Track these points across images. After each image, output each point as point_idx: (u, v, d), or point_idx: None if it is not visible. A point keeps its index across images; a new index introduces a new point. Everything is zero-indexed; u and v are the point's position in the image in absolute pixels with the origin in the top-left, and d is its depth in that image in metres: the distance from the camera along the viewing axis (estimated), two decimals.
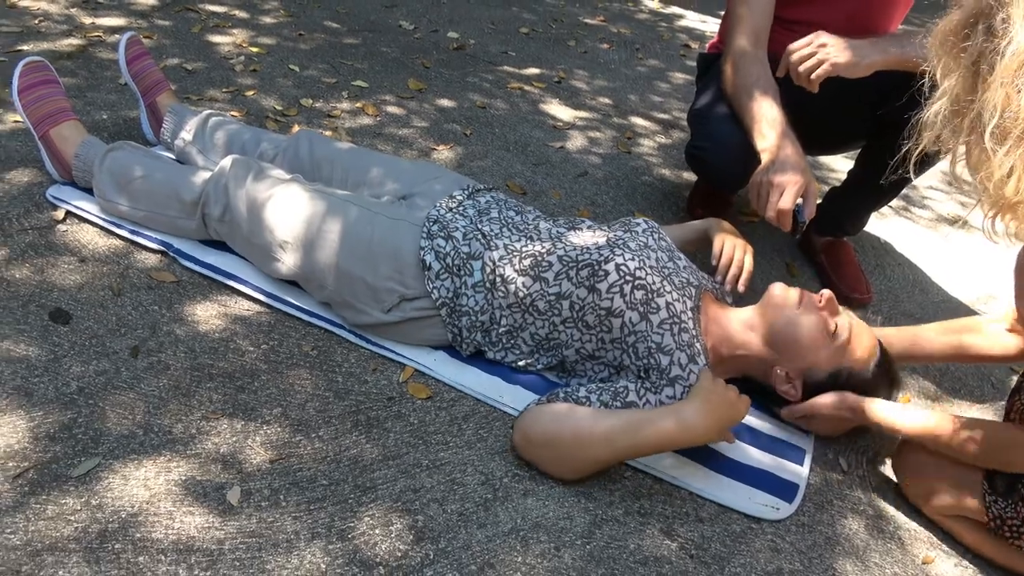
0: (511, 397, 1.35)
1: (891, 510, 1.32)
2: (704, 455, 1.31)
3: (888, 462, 1.41)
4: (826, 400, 1.30)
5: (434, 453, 1.23)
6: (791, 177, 1.39)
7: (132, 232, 1.56)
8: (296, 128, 2.11)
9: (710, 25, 3.96)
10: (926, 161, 1.40)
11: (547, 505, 1.18)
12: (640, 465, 1.27)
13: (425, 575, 1.04)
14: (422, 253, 1.37)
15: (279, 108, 2.22)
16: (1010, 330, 1.38)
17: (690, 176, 2.29)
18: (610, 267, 1.30)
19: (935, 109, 0.89)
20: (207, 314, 1.42)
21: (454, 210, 1.46)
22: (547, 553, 1.11)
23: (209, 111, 1.80)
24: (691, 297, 1.37)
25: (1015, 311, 1.30)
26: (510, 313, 1.37)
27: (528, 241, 1.41)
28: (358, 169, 1.61)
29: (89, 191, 1.62)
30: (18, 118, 1.86)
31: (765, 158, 1.45)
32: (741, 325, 1.36)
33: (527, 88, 2.71)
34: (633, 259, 1.32)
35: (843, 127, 1.79)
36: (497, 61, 2.92)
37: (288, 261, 1.43)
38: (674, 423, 1.15)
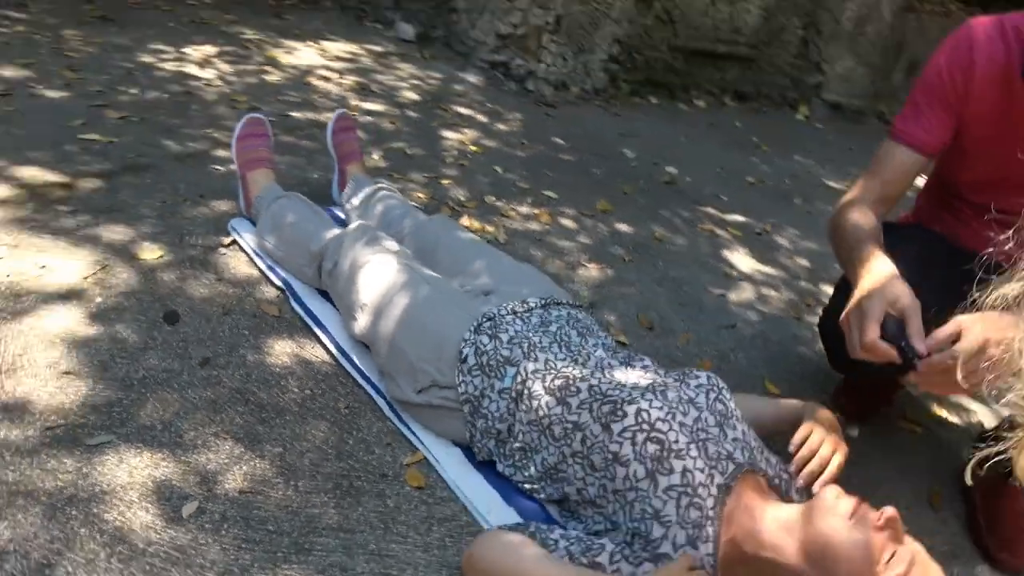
0: (497, 517, 1.26)
1: None
2: None
3: None
4: None
5: (386, 542, 1.19)
6: (876, 297, 1.13)
7: (268, 267, 1.77)
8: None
9: None
10: None
11: None
12: None
13: None
14: (463, 345, 1.36)
15: (462, 199, 2.39)
16: None
17: None
18: (631, 409, 1.18)
19: None
20: (280, 350, 1.55)
21: (517, 314, 1.44)
22: None
23: (381, 185, 2.01)
24: (723, 473, 1.18)
25: None
26: (528, 430, 1.29)
27: (571, 363, 1.33)
28: (464, 259, 1.67)
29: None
30: None
31: (854, 296, 1.20)
32: (777, 524, 1.13)
33: (720, 232, 2.61)
34: (661, 408, 1.18)
35: None
36: (703, 201, 2.86)
37: (362, 322, 1.52)
38: None
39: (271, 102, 2.82)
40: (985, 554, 1.46)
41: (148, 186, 2.02)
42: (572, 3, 3.75)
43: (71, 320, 1.48)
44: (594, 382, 1.26)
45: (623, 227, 2.48)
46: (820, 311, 2.04)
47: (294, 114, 2.76)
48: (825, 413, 1.35)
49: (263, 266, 1.78)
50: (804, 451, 1.27)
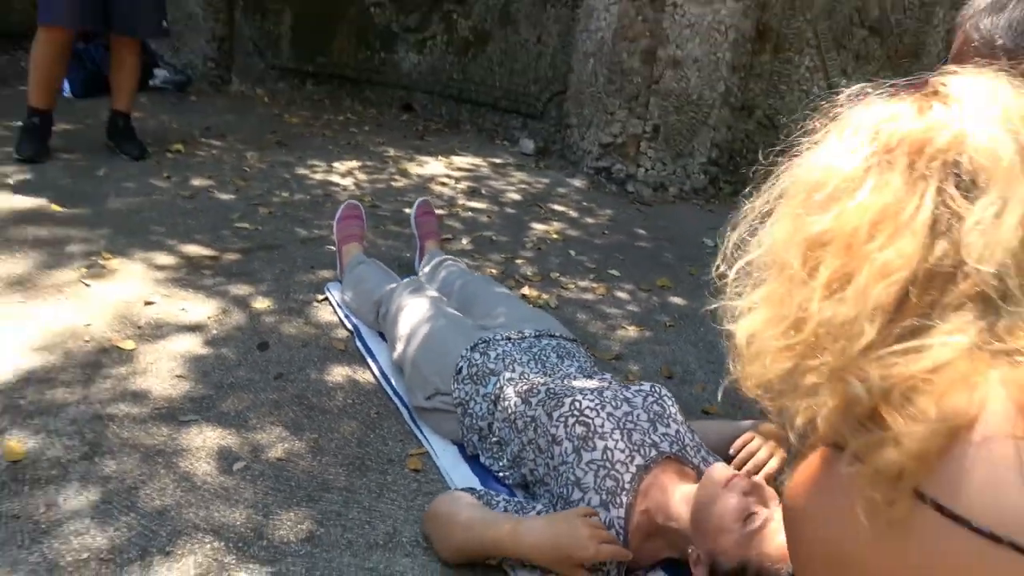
0: None
1: None
2: None
3: None
4: None
5: (377, 502, 1.50)
6: None
7: (345, 315, 2.22)
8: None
9: None
10: None
11: (413, 572, 1.34)
12: None
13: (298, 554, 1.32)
14: (460, 360, 1.69)
15: (528, 274, 2.76)
16: None
17: None
18: (567, 400, 1.44)
19: None
20: (338, 373, 1.95)
21: (511, 340, 1.75)
22: None
23: (447, 258, 2.43)
24: (644, 456, 1.39)
25: None
26: (502, 427, 1.57)
27: (541, 375, 1.61)
28: (490, 306, 2.02)
29: None
30: None
31: None
32: (680, 497, 1.32)
33: None
34: (592, 401, 1.43)
35: None
36: None
37: (398, 349, 1.89)
38: (509, 528, 1.23)
39: (391, 201, 3.39)
40: None
41: (274, 259, 2.59)
42: (669, 113, 4.13)
43: (191, 344, 1.99)
44: (552, 386, 1.54)
45: (676, 299, 2.71)
46: None
47: (406, 210, 3.30)
48: (768, 426, 1.51)
49: (341, 314, 2.23)
50: (742, 454, 1.45)
